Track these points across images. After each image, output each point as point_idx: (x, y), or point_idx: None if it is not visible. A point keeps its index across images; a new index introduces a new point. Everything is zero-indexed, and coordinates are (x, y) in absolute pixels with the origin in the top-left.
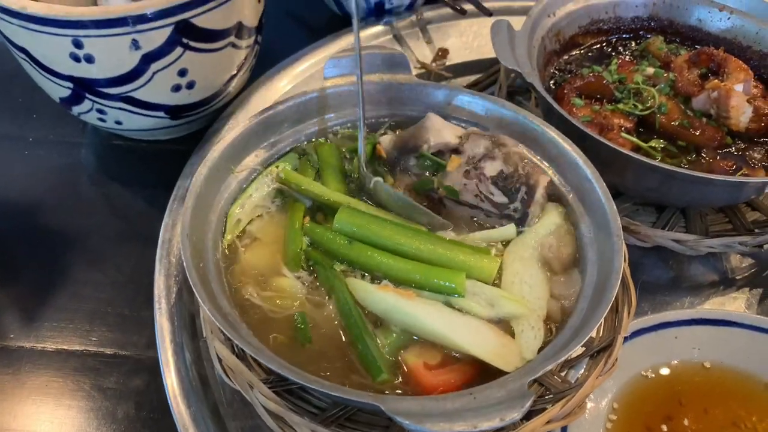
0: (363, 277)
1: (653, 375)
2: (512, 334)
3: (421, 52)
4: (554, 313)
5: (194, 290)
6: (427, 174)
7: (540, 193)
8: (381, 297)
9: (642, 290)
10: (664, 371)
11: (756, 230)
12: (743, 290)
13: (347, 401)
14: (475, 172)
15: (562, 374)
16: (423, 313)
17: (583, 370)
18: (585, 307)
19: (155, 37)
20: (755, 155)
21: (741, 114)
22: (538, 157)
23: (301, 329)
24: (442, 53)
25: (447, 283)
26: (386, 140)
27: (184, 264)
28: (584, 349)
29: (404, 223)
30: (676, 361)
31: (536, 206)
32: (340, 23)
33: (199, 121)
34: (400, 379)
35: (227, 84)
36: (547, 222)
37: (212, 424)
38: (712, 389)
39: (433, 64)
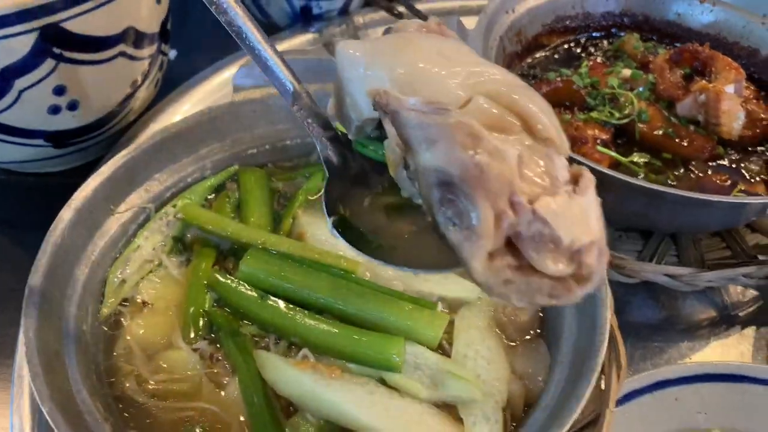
0: (277, 344)
1: None
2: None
3: None
4: (516, 398)
5: (33, 386)
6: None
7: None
8: (295, 378)
9: (629, 335)
10: None
11: (760, 256)
12: (749, 329)
13: None
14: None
15: None
16: (346, 400)
17: None
18: (563, 378)
19: (15, 46)
20: (752, 167)
21: (733, 120)
22: None
23: None
24: None
25: (381, 355)
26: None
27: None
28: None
29: (332, 266)
30: (677, 431)
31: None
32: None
33: (95, 148)
34: None
35: (124, 103)
36: None
37: None
38: None
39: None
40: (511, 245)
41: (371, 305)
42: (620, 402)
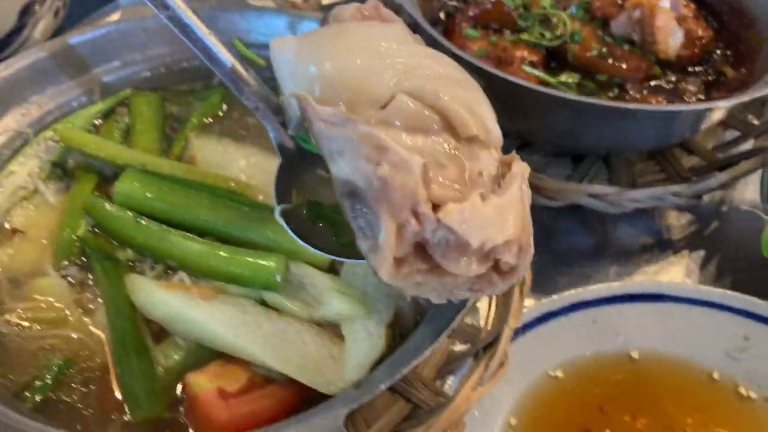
0: (153, 268)
1: (563, 375)
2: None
3: None
4: (406, 315)
5: None
6: None
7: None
8: (163, 299)
9: (558, 262)
10: (579, 369)
11: (694, 179)
12: (681, 255)
13: None
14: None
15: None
16: (214, 320)
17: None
18: None
19: None
20: (690, 87)
21: (669, 36)
22: None
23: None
24: None
25: (259, 273)
26: None
27: None
28: (469, 346)
29: (219, 188)
30: (594, 354)
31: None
32: None
33: None
34: (183, 414)
35: (18, 33)
36: None
37: None
38: (640, 388)
39: (303, 2)
40: (422, 248)
41: (257, 225)
42: (531, 327)
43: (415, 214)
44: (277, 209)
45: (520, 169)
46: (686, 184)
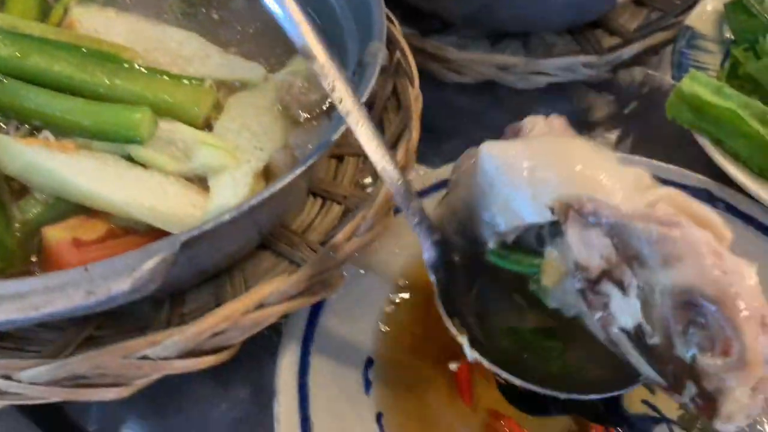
0: (19, 129)
1: None
2: None
3: None
4: (279, 164)
5: None
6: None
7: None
8: (19, 151)
9: (470, 142)
10: None
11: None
12: (596, 133)
13: None
14: (595, 298)
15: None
16: (73, 171)
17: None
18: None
19: None
20: None
21: None
22: None
23: None
24: None
25: (122, 126)
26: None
27: None
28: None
29: (91, 49)
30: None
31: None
32: None
33: None
34: (36, 262)
35: None
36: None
37: None
38: None
39: None
40: None
41: (125, 82)
42: (429, 191)
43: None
44: (466, 344)
45: None
46: (597, 55)
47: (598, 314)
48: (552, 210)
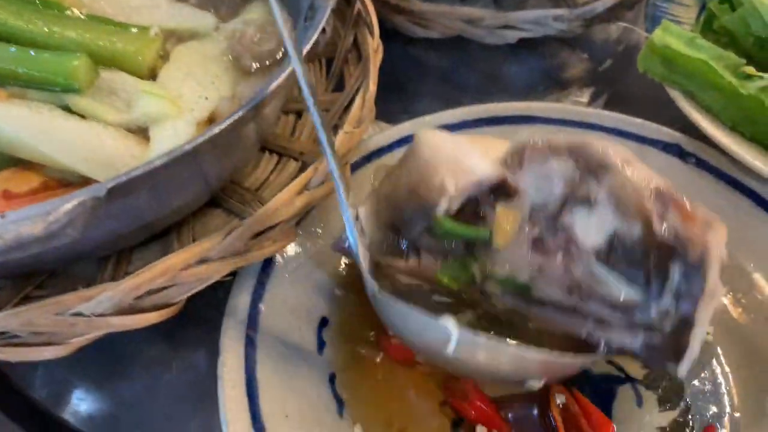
0: None
1: None
2: None
3: None
4: (224, 113)
5: None
6: (456, 252)
7: (713, 273)
8: None
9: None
10: None
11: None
12: (569, 91)
13: None
14: (554, 239)
15: None
16: (4, 120)
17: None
18: None
19: None
20: None
21: None
22: None
23: None
24: None
25: (57, 72)
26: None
27: None
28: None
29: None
30: None
31: (708, 303)
32: None
33: None
34: None
35: None
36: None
37: None
38: None
39: None
40: None
41: (64, 30)
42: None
43: None
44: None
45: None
46: (568, 9)
47: (559, 257)
48: (506, 160)
